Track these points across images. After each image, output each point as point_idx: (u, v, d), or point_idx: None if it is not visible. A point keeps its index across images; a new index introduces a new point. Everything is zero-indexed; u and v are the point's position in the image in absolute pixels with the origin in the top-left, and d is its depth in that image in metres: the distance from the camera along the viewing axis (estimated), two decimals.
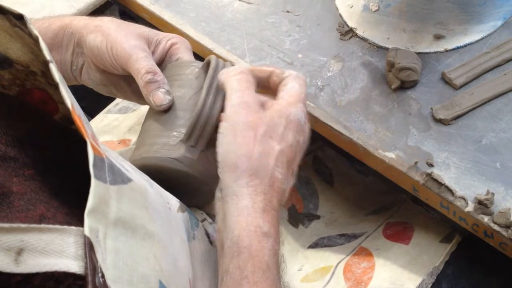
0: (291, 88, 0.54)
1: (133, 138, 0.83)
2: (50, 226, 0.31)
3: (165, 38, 0.62)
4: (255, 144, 0.50)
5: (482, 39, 0.68)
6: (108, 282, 0.31)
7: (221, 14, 0.82)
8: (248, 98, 0.51)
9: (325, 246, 0.78)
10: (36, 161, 0.41)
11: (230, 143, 0.50)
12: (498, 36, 0.68)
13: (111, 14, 1.25)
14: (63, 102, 0.46)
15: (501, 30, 0.69)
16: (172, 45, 0.62)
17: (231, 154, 0.50)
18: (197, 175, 0.55)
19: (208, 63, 0.58)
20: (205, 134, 0.55)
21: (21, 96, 0.46)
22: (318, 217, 0.83)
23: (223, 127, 0.51)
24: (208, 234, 0.57)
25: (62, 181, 0.41)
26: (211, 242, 0.56)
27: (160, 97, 0.56)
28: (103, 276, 0.31)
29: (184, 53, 0.62)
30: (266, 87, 0.57)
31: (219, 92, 0.55)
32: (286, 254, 0.77)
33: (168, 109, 0.57)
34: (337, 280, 0.69)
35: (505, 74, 0.64)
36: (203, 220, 0.64)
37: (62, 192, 0.39)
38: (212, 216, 0.68)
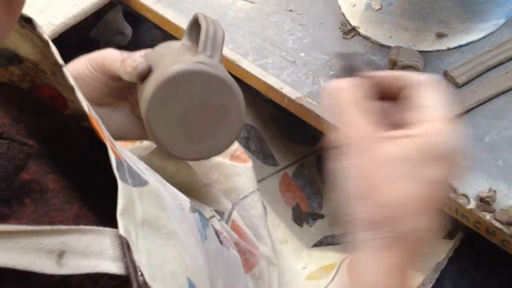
0: (432, 103, 0.40)
1: None
2: (89, 227, 0.31)
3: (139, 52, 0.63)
4: (381, 188, 0.39)
5: (484, 37, 0.68)
6: (147, 280, 0.31)
7: (223, 13, 0.83)
8: (363, 128, 0.40)
9: (330, 244, 0.78)
10: (66, 158, 0.42)
11: (348, 189, 0.41)
12: (500, 34, 0.68)
13: (114, 14, 1.26)
14: (73, 100, 0.47)
15: (504, 28, 0.69)
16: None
17: (350, 202, 0.40)
18: (223, 77, 0.52)
19: (194, 24, 0.58)
20: (217, 44, 0.54)
21: (31, 91, 0.46)
22: (322, 216, 0.83)
23: (339, 171, 0.41)
24: (217, 232, 0.57)
25: (88, 180, 0.41)
26: (220, 242, 0.56)
27: (137, 60, 0.54)
28: (142, 275, 0.31)
29: None
30: (389, 96, 0.44)
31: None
32: (291, 253, 0.77)
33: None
34: (341, 278, 0.69)
35: (507, 72, 0.64)
36: (211, 217, 0.64)
37: (89, 191, 0.40)
38: (220, 213, 0.69)
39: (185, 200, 0.51)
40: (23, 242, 0.28)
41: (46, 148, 0.40)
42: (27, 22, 0.41)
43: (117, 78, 0.57)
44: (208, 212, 0.66)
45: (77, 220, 0.36)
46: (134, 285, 0.30)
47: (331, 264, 0.72)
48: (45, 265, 0.28)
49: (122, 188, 0.34)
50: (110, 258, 0.31)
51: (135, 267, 0.31)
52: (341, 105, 0.41)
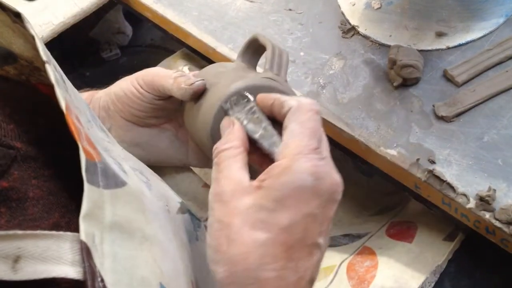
0: (293, 135, 0.40)
1: None
2: (46, 232, 0.30)
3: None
4: (230, 242, 0.38)
5: (484, 36, 0.68)
6: (108, 286, 0.31)
7: (223, 13, 0.83)
8: (230, 184, 0.40)
9: (329, 246, 0.78)
10: (56, 159, 0.41)
11: (209, 248, 0.41)
12: (500, 33, 0.68)
13: (115, 13, 1.26)
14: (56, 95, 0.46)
15: (503, 27, 0.69)
16: None
17: (210, 261, 0.40)
18: (292, 94, 0.52)
19: (251, 44, 0.57)
20: (283, 63, 0.53)
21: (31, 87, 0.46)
22: None
23: (208, 229, 0.41)
24: None
25: (79, 181, 0.41)
26: None
27: (192, 79, 0.53)
28: (102, 280, 0.31)
29: None
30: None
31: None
32: None
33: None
34: (340, 279, 0.69)
35: (507, 71, 0.64)
36: (207, 219, 0.64)
37: (80, 194, 0.39)
38: None
39: (174, 201, 0.50)
40: None
41: (36, 149, 0.39)
42: (17, 16, 0.40)
43: (165, 97, 0.56)
44: (204, 213, 0.66)
45: (54, 229, 0.35)
46: None
47: (330, 266, 0.72)
48: (0, 271, 0.28)
49: (89, 191, 0.33)
50: (69, 263, 0.30)
51: (93, 272, 0.30)
52: (223, 159, 0.41)
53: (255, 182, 0.40)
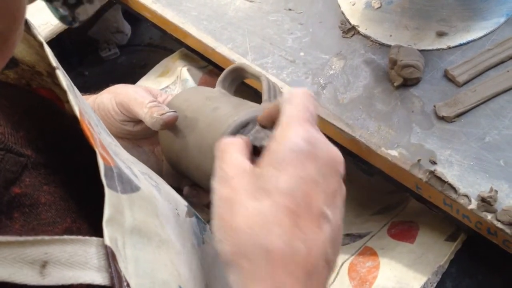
0: (283, 116, 0.40)
1: None
2: (73, 237, 0.30)
3: (165, 94, 0.64)
4: (232, 218, 0.37)
5: (485, 36, 0.68)
6: None
7: (222, 13, 0.82)
8: (225, 170, 0.40)
9: None
10: (66, 165, 0.41)
11: (213, 225, 0.40)
12: (501, 33, 0.68)
13: (113, 13, 1.26)
14: (69, 102, 0.46)
15: (504, 26, 0.68)
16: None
17: (217, 239, 0.39)
18: None
19: (232, 72, 0.59)
20: (277, 93, 0.55)
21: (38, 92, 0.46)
22: None
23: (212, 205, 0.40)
24: None
25: (89, 187, 0.40)
26: None
27: (165, 110, 0.55)
28: (128, 285, 0.31)
29: None
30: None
31: None
32: None
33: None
34: (341, 280, 0.69)
35: (508, 71, 0.64)
36: (209, 221, 0.64)
37: (92, 199, 0.39)
38: None
39: (182, 204, 0.50)
40: (5, 252, 0.27)
41: (46, 156, 0.39)
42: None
43: (139, 120, 0.58)
44: (206, 216, 0.66)
45: (67, 234, 0.35)
46: None
47: None
48: (27, 276, 0.28)
49: (110, 196, 0.33)
50: (95, 268, 0.30)
51: (120, 277, 0.30)
52: (224, 148, 0.41)
53: (255, 165, 0.40)
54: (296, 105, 0.40)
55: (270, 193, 0.36)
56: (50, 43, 0.88)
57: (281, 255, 0.35)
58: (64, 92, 0.37)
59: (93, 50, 1.29)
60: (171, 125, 0.54)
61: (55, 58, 0.40)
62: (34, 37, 0.40)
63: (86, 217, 0.37)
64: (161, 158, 0.62)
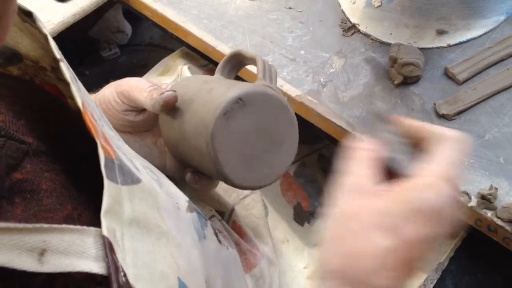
0: (438, 160, 0.39)
1: None
2: (71, 226, 0.31)
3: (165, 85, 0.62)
4: (353, 238, 0.38)
5: (485, 34, 0.68)
6: (131, 281, 0.31)
7: (223, 11, 0.82)
8: (362, 180, 0.40)
9: None
10: (68, 154, 0.41)
11: (327, 235, 0.40)
12: (501, 31, 0.68)
13: (114, 12, 1.26)
14: (72, 98, 0.46)
15: (504, 25, 0.68)
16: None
17: (323, 248, 0.39)
18: (287, 103, 0.52)
19: (231, 59, 0.58)
20: (273, 74, 0.54)
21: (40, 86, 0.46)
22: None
23: (327, 216, 0.40)
24: (216, 232, 0.56)
25: (91, 177, 0.41)
26: (219, 241, 0.56)
27: (163, 90, 0.54)
28: (125, 275, 0.31)
29: None
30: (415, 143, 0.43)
31: None
32: (292, 252, 0.77)
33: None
34: None
35: (508, 69, 0.64)
36: (211, 217, 0.64)
37: (92, 188, 0.39)
38: (221, 213, 0.69)
39: (182, 199, 0.51)
40: (4, 239, 0.28)
41: (47, 144, 0.40)
42: (28, 15, 0.41)
43: (139, 109, 0.57)
44: (208, 211, 0.66)
45: (67, 221, 0.36)
46: (115, 285, 0.30)
47: None
48: (26, 263, 0.28)
49: (109, 187, 0.33)
50: (92, 257, 0.31)
51: (116, 267, 0.31)
52: (353, 156, 0.41)
53: (385, 187, 0.39)
54: (453, 158, 0.39)
55: (396, 236, 0.36)
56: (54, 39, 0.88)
57: None
58: (68, 87, 0.38)
59: (94, 49, 1.30)
60: (172, 105, 0.53)
61: (59, 51, 0.40)
62: (39, 30, 0.40)
63: (87, 205, 0.38)
64: (164, 150, 0.61)
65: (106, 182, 0.33)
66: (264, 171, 0.52)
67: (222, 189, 0.73)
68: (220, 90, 0.51)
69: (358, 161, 0.41)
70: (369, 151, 0.41)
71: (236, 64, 0.59)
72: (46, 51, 0.43)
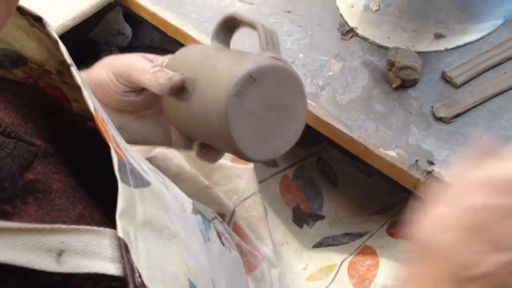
0: None
1: None
2: (88, 227, 0.31)
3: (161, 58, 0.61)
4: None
5: (482, 38, 0.69)
6: (145, 281, 0.32)
7: (222, 14, 0.83)
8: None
9: (330, 245, 0.78)
10: (75, 157, 0.42)
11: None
12: (498, 35, 0.68)
13: (114, 15, 1.26)
14: (77, 100, 0.47)
15: (501, 28, 0.69)
16: None
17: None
18: (297, 75, 0.52)
19: (225, 24, 0.57)
20: (275, 40, 0.54)
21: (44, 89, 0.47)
22: (322, 217, 0.84)
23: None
24: (219, 235, 0.57)
25: (96, 179, 0.41)
26: (222, 243, 0.56)
27: (170, 73, 0.52)
28: (140, 276, 0.32)
29: None
30: None
31: None
32: (291, 254, 0.78)
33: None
34: (341, 278, 0.70)
35: (505, 72, 0.64)
36: (213, 219, 0.65)
37: (99, 190, 0.40)
38: (222, 215, 0.69)
39: (187, 202, 0.51)
40: (24, 239, 0.28)
41: (54, 147, 0.41)
42: (37, 20, 0.41)
43: (141, 89, 0.56)
44: (210, 214, 0.66)
45: (80, 220, 0.36)
46: (131, 286, 0.31)
47: (332, 265, 0.72)
48: (44, 263, 0.29)
49: (123, 190, 0.34)
50: (108, 259, 0.31)
51: (132, 268, 0.31)
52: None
53: None
54: None
55: None
56: None
57: None
58: (72, 90, 0.38)
59: (94, 52, 1.30)
60: (180, 88, 0.52)
61: (69, 56, 0.40)
62: (49, 35, 0.41)
63: (96, 205, 0.39)
64: (166, 126, 0.59)
65: (120, 185, 0.34)
66: (276, 143, 0.52)
67: (223, 191, 0.74)
68: (225, 65, 0.50)
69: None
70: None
71: (231, 28, 0.58)
72: (52, 55, 0.44)
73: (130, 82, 0.55)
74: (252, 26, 0.54)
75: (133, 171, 0.38)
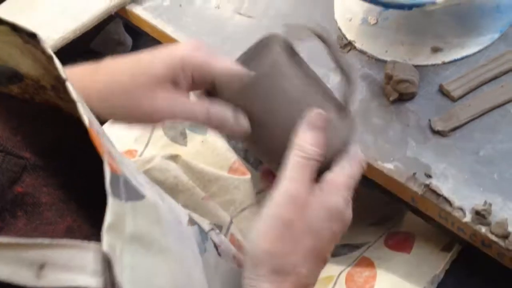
0: (340, 171, 0.49)
1: (139, 149, 0.84)
2: (72, 242, 0.31)
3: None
4: (285, 243, 0.46)
5: (479, 51, 0.69)
6: None
7: (222, 28, 0.84)
8: (299, 192, 0.47)
9: None
10: (67, 168, 0.42)
11: (261, 236, 0.47)
12: (495, 49, 0.69)
13: (115, 25, 1.27)
14: (75, 113, 0.47)
15: (498, 42, 0.69)
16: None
17: (257, 247, 0.46)
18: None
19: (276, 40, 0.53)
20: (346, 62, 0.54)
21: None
22: None
23: (264, 216, 0.47)
24: (216, 245, 0.57)
25: (87, 190, 0.41)
26: (219, 254, 0.56)
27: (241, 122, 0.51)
28: None
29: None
30: None
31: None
32: None
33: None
34: None
35: (502, 86, 0.65)
36: (210, 230, 0.65)
37: (90, 202, 0.40)
38: (219, 227, 0.69)
39: (183, 214, 0.51)
40: (7, 254, 0.28)
41: (44, 159, 0.41)
42: (31, 37, 0.41)
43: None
44: (206, 225, 0.66)
45: (69, 233, 0.36)
46: None
47: (329, 276, 0.72)
48: (24, 277, 0.29)
49: (112, 203, 0.34)
50: (91, 273, 0.31)
51: (113, 283, 0.31)
52: (295, 162, 0.48)
53: (313, 193, 0.48)
54: (351, 168, 0.50)
55: (317, 237, 0.48)
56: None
57: (302, 278, 0.47)
58: (70, 104, 0.38)
59: (95, 62, 1.30)
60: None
61: (65, 71, 0.40)
62: (43, 51, 0.41)
63: (86, 217, 0.39)
64: None
65: (110, 199, 0.34)
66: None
67: (220, 202, 0.74)
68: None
69: (300, 169, 0.47)
70: (309, 160, 0.47)
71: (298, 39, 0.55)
72: (47, 71, 0.44)
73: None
74: (323, 41, 0.54)
75: (127, 183, 0.38)
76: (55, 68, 0.40)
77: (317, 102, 0.50)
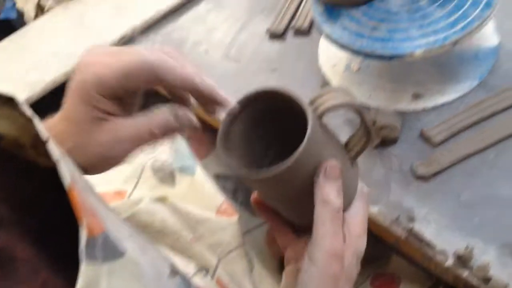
0: (357, 215, 0.52)
1: (129, 189, 0.84)
2: None
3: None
4: None
5: (459, 98, 0.71)
6: None
7: (212, 70, 0.85)
8: (338, 246, 0.48)
9: None
10: (42, 223, 0.42)
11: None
12: (474, 95, 0.71)
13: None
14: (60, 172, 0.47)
15: (477, 89, 0.71)
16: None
17: None
18: None
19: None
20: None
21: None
22: None
23: (311, 270, 0.48)
24: None
25: (68, 243, 0.42)
26: None
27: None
28: None
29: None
30: None
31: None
32: None
33: None
34: None
35: (482, 133, 0.67)
36: (196, 273, 0.65)
37: (68, 254, 0.40)
38: (205, 269, 0.69)
39: (166, 264, 0.51)
40: None
41: (20, 214, 0.41)
42: (8, 101, 0.41)
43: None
44: (192, 268, 0.66)
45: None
46: None
47: None
48: None
49: (85, 268, 0.34)
50: None
51: None
52: (335, 224, 0.48)
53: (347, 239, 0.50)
54: (365, 207, 0.53)
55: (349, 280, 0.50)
56: (46, 97, 0.90)
57: None
58: (50, 161, 0.38)
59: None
60: None
61: (45, 131, 0.40)
62: (23, 114, 0.41)
63: (63, 272, 0.39)
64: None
65: (83, 265, 0.34)
66: None
67: (207, 244, 0.74)
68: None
69: (335, 224, 0.47)
70: (339, 212, 0.48)
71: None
72: (25, 130, 0.43)
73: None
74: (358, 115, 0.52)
75: (107, 242, 0.37)
76: (35, 129, 0.40)
77: (335, 154, 0.51)
